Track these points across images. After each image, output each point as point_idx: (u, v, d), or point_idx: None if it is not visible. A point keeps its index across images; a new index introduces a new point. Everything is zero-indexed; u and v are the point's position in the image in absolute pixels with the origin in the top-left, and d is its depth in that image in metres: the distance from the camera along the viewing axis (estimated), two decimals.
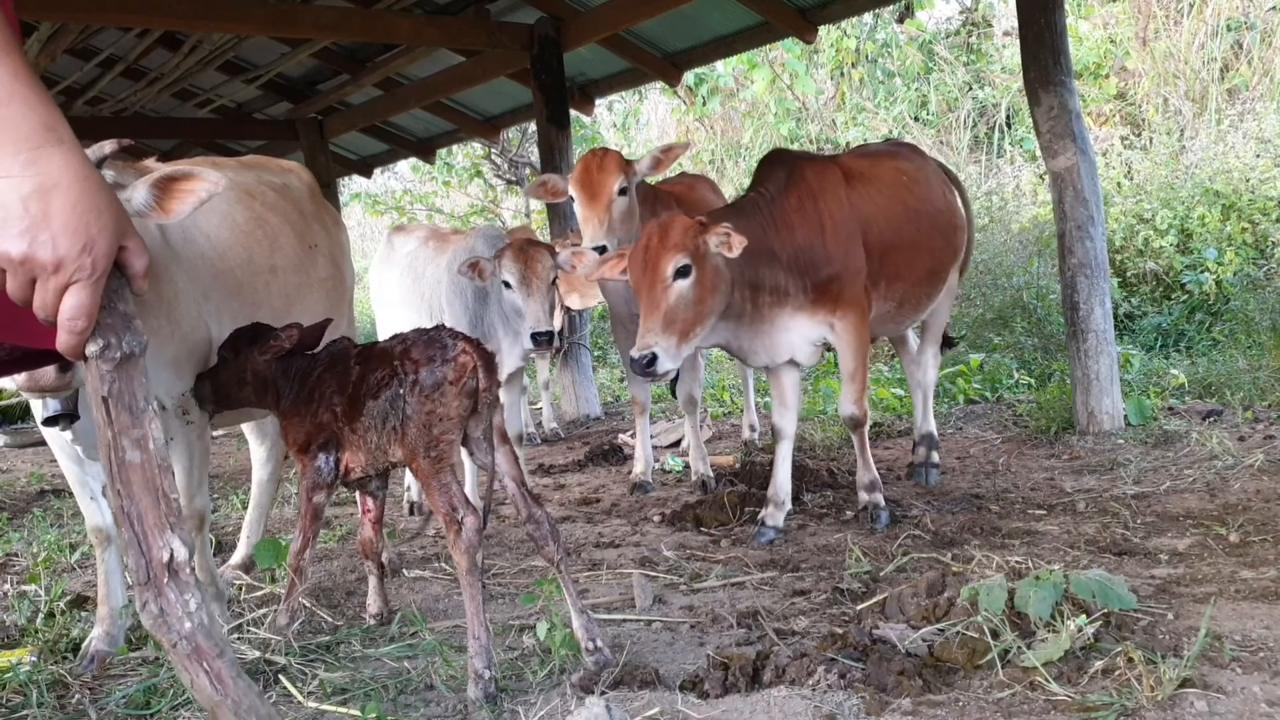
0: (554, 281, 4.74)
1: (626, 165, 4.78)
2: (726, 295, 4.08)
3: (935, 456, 5.13)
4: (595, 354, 11.24)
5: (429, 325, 4.89)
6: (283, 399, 3.28)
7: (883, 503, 4.50)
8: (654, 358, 3.82)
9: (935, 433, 5.20)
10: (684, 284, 3.90)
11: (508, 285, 4.67)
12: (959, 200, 5.18)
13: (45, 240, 1.20)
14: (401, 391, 2.93)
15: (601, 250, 4.61)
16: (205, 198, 2.35)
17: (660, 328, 3.86)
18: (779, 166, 4.52)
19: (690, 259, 3.88)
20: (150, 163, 3.70)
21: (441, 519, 2.91)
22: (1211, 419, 5.78)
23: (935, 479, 4.93)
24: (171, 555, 1.38)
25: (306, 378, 3.25)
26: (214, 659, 1.42)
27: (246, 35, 8.64)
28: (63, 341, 1.27)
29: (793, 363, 4.48)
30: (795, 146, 13.61)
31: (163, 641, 1.40)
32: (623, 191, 4.72)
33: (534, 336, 4.66)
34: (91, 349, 1.31)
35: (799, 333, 4.37)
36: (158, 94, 10.46)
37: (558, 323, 6.09)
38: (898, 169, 4.86)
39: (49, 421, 3.05)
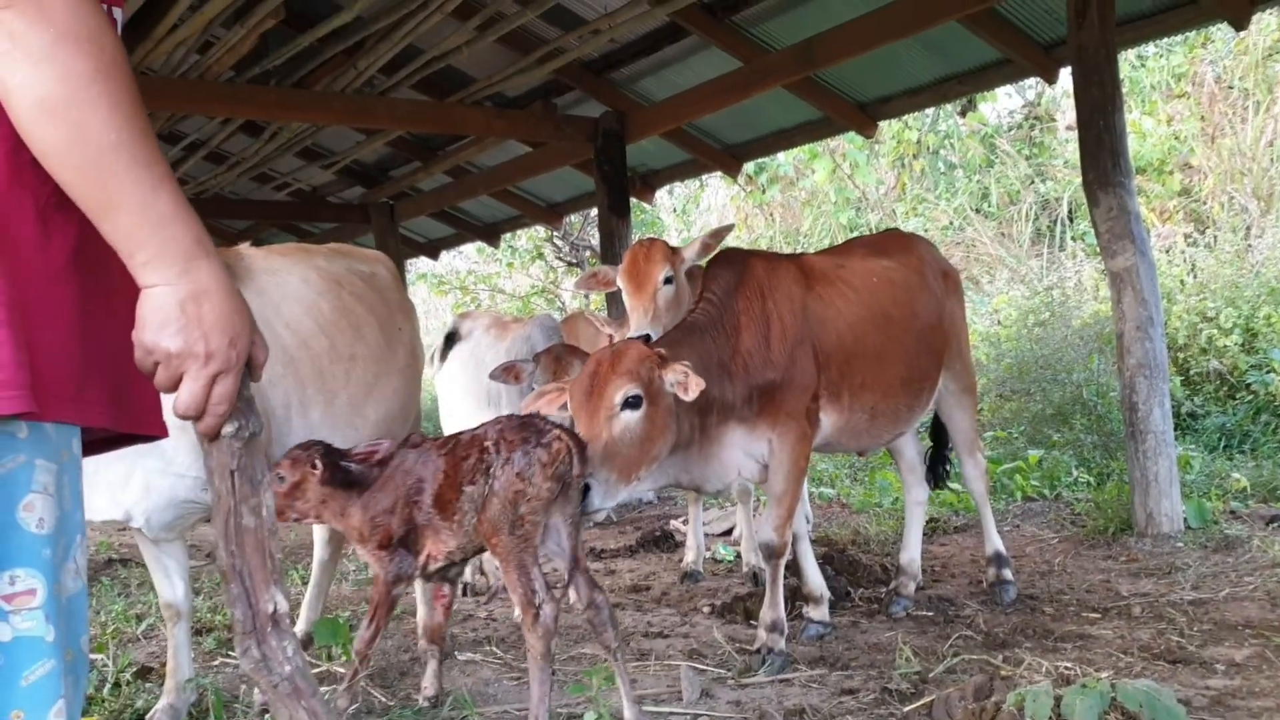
0: None
1: (673, 254, 4.82)
2: (673, 439, 3.68)
3: (1007, 573, 4.82)
4: None
5: (487, 412, 5.02)
6: (348, 510, 3.25)
7: (781, 647, 4.02)
8: (586, 490, 3.29)
9: (1003, 549, 4.88)
10: (632, 417, 3.46)
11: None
12: (957, 298, 4.97)
13: (198, 337, 1.40)
14: (492, 469, 3.02)
15: (646, 340, 4.58)
16: None
17: (599, 460, 3.36)
18: (727, 267, 4.22)
19: (643, 391, 3.47)
20: (243, 248, 3.89)
21: (518, 602, 2.99)
22: (1275, 524, 5.68)
23: (1012, 595, 4.71)
24: (275, 607, 1.59)
25: (377, 480, 3.25)
26: (310, 698, 1.60)
27: (325, 124, 8.99)
28: (206, 424, 1.48)
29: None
30: (855, 235, 13.73)
31: (263, 683, 1.58)
32: (668, 280, 4.78)
33: None
34: (228, 429, 1.52)
35: (741, 448, 4.04)
36: (237, 177, 10.88)
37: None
38: (869, 269, 4.56)
39: None
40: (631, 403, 3.46)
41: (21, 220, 1.38)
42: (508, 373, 4.60)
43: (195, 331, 1.39)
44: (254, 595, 1.57)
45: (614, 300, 8.84)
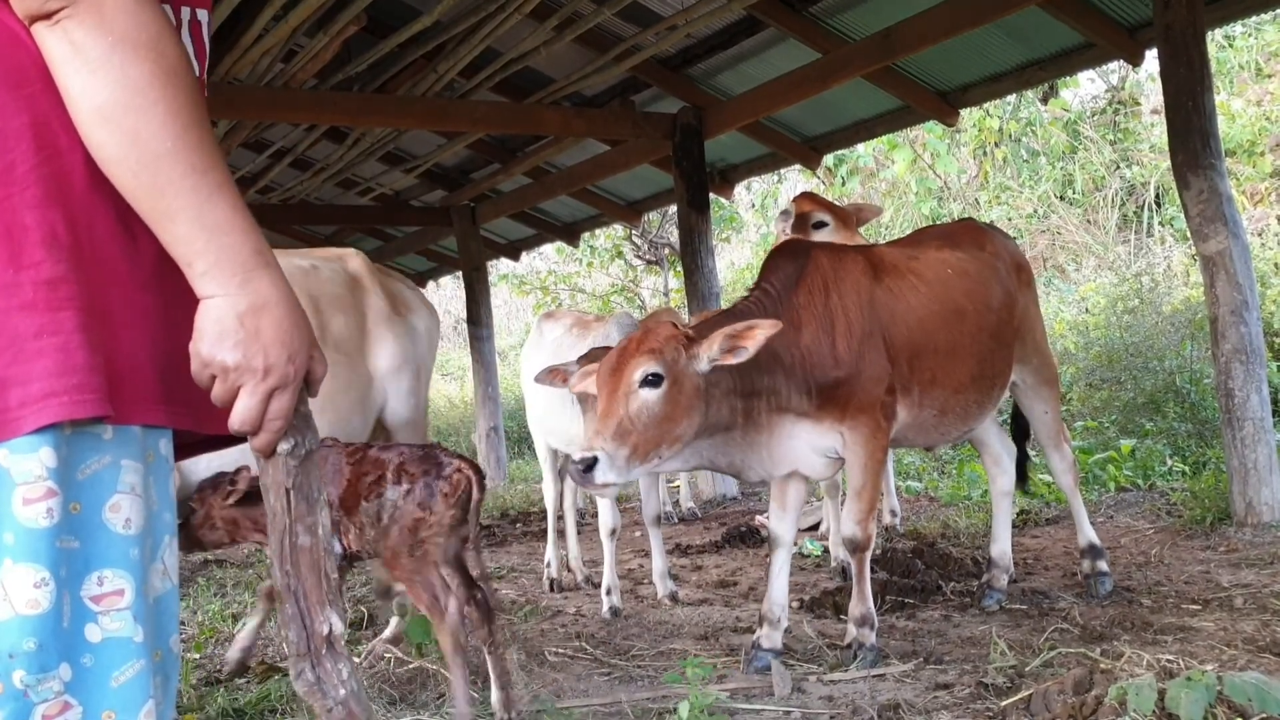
0: None
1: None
2: (701, 421, 3.62)
3: (1103, 565, 4.70)
4: None
5: (569, 410, 5.05)
6: (268, 514, 3.37)
7: (871, 641, 3.96)
8: (594, 463, 3.36)
9: (1096, 540, 4.77)
10: (651, 395, 3.46)
11: None
12: (1030, 292, 4.83)
13: (257, 351, 1.36)
14: (391, 498, 3.21)
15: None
16: None
17: (612, 434, 3.41)
18: (789, 258, 4.08)
19: (664, 369, 3.46)
20: None
21: (425, 609, 3.23)
22: None
23: (1108, 586, 4.62)
24: (330, 629, 1.51)
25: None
26: None
27: (407, 129, 9.14)
28: (261, 441, 1.43)
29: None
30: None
31: (317, 707, 1.51)
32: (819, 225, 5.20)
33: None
34: (283, 447, 1.46)
35: (805, 441, 3.95)
36: (322, 183, 11.09)
37: None
38: (943, 260, 4.39)
39: None
40: (650, 381, 3.46)
41: (101, 226, 1.37)
42: (553, 375, 4.38)
43: (254, 346, 1.35)
44: (309, 616, 1.50)
45: (693, 298, 8.85)
